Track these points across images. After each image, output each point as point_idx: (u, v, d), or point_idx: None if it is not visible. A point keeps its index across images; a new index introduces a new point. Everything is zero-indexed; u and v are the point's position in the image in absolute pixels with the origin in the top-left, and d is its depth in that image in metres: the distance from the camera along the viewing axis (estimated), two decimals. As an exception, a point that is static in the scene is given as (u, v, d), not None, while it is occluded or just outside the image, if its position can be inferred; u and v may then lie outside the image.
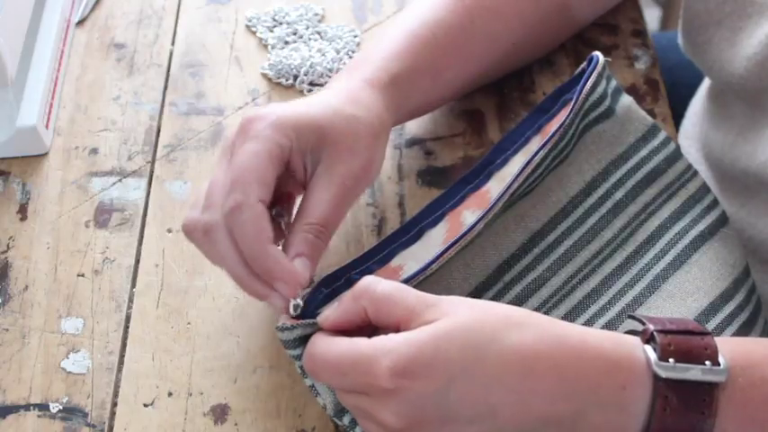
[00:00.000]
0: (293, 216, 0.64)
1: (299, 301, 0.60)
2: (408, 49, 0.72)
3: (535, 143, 0.70)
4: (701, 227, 0.68)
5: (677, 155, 0.70)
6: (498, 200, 0.64)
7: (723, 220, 0.69)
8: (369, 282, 0.56)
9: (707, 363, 0.54)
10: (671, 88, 0.87)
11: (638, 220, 0.68)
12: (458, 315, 0.54)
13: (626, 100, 0.70)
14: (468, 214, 0.69)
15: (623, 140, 0.69)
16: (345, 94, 0.67)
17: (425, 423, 0.53)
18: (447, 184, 0.77)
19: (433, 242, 0.68)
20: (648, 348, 0.54)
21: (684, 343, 0.54)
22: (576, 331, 0.55)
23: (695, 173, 0.70)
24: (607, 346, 0.55)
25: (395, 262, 0.67)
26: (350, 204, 0.66)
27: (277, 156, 0.62)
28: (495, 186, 0.69)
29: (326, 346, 0.56)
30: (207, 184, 0.63)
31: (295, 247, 0.62)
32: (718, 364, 0.54)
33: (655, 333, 0.55)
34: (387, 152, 0.78)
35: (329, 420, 0.64)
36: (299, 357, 0.60)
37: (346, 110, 0.66)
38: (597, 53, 0.68)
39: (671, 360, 0.53)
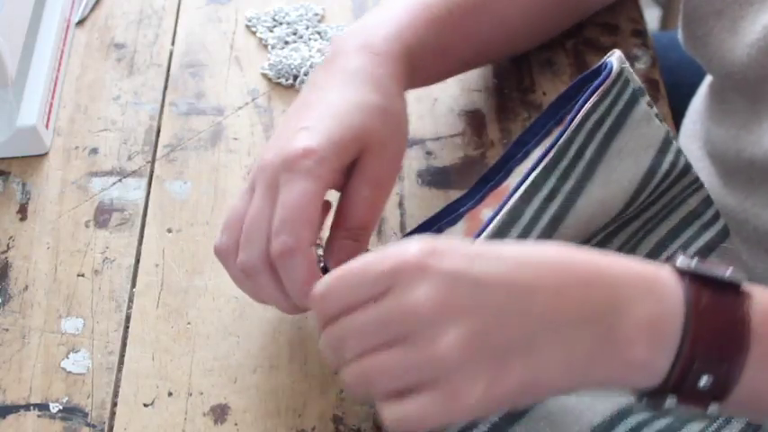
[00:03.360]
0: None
1: None
2: (422, 24, 0.70)
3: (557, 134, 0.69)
4: (699, 243, 0.67)
5: (686, 170, 0.67)
6: (505, 202, 0.64)
7: (723, 235, 0.68)
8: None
9: (727, 270, 0.53)
10: (671, 88, 0.87)
11: (636, 237, 0.67)
12: None
13: (642, 107, 0.66)
14: (488, 212, 0.68)
15: (644, 155, 0.65)
16: (364, 82, 0.65)
17: (457, 307, 0.50)
18: (447, 184, 0.77)
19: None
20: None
21: (702, 261, 0.54)
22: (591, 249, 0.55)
23: (698, 187, 0.68)
24: (629, 258, 0.54)
25: None
26: (386, 202, 0.65)
27: (324, 194, 0.61)
28: (515, 182, 0.68)
29: (349, 263, 0.54)
30: (234, 203, 0.63)
31: (335, 255, 0.62)
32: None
33: (674, 255, 0.54)
34: (387, 152, 0.78)
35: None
36: None
37: (373, 102, 0.64)
38: (612, 60, 0.65)
39: (693, 262, 0.53)
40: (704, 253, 0.67)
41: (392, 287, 0.51)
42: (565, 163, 0.63)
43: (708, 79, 0.87)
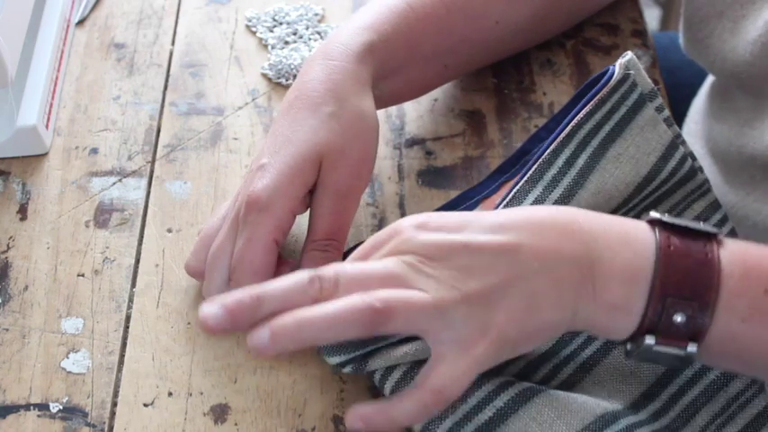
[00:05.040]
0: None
1: None
2: (380, 20, 0.71)
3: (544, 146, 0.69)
4: None
5: (690, 174, 0.67)
6: (510, 192, 0.64)
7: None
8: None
9: (701, 223, 0.57)
10: (671, 89, 0.87)
11: None
12: None
13: (648, 112, 0.66)
14: (504, 193, 0.69)
15: (644, 161, 0.65)
16: (319, 94, 0.67)
17: (452, 265, 0.54)
18: (447, 184, 0.77)
19: None
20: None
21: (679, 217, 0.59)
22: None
23: (705, 192, 0.68)
24: (603, 214, 0.59)
25: None
26: (353, 209, 0.67)
27: (275, 238, 0.65)
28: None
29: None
30: (207, 225, 0.69)
31: (305, 267, 0.63)
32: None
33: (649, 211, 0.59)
34: (387, 152, 0.79)
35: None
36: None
37: (327, 113, 0.67)
38: (615, 66, 0.66)
39: (666, 215, 0.57)
40: None
41: (389, 255, 0.55)
42: (552, 172, 0.64)
43: (710, 79, 0.87)
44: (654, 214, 0.57)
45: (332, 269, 0.55)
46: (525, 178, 0.64)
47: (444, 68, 0.78)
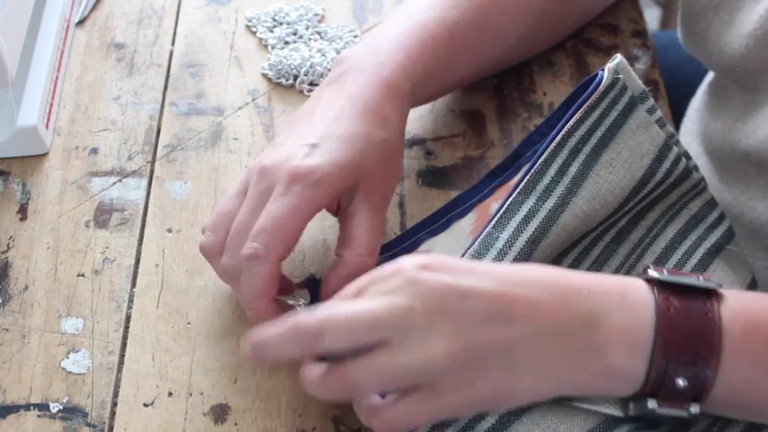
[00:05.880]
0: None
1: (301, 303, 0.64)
2: (427, 51, 0.72)
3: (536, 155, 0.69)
4: (707, 244, 0.67)
5: (685, 175, 0.67)
6: (505, 201, 0.64)
7: (729, 237, 0.68)
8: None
9: (700, 278, 0.56)
10: (671, 87, 0.87)
11: (642, 244, 0.66)
12: None
13: (639, 115, 0.66)
14: (496, 206, 0.69)
15: (638, 164, 0.65)
16: (372, 114, 0.67)
17: (446, 316, 0.54)
18: (447, 184, 0.77)
19: (461, 232, 0.69)
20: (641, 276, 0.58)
21: (677, 271, 0.58)
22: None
23: (701, 191, 0.69)
24: (600, 274, 0.59)
25: (422, 248, 0.69)
26: (381, 228, 0.68)
27: (312, 214, 0.63)
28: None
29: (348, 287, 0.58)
30: (223, 204, 0.66)
31: (340, 281, 0.63)
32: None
33: (648, 265, 0.58)
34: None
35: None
36: None
37: (377, 135, 0.66)
38: (604, 71, 0.65)
39: (664, 272, 0.56)
40: (711, 255, 0.67)
41: (387, 294, 0.55)
42: (545, 182, 0.64)
43: (708, 78, 0.87)
44: (652, 273, 0.56)
45: (318, 316, 0.54)
46: (518, 190, 0.64)
47: (466, 82, 0.80)
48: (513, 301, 0.54)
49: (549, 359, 0.54)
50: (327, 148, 0.64)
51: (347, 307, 0.55)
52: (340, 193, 0.65)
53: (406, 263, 0.56)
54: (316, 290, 0.68)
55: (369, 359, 0.54)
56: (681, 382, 0.54)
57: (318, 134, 0.65)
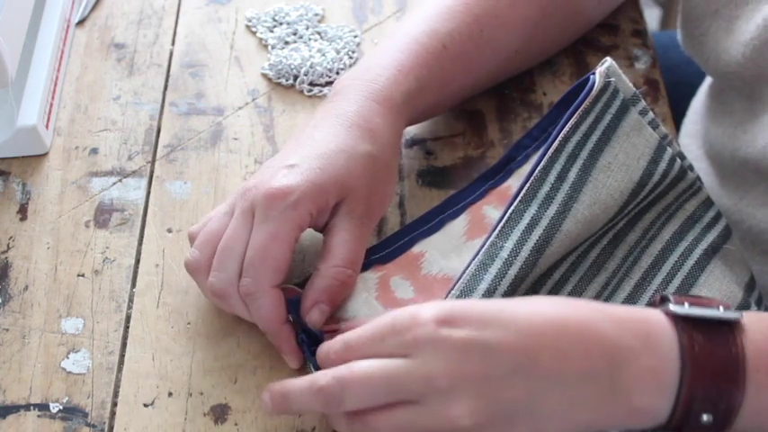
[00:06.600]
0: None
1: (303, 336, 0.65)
2: (419, 63, 0.72)
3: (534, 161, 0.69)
4: (703, 245, 0.67)
5: (680, 176, 0.68)
6: (507, 208, 0.64)
7: (726, 236, 0.68)
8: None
9: (720, 308, 0.56)
10: (672, 87, 0.87)
11: (639, 246, 0.67)
12: None
13: (632, 117, 0.66)
14: (490, 209, 0.69)
15: (635, 167, 0.65)
16: (359, 127, 0.67)
17: (469, 376, 0.53)
18: (447, 184, 0.77)
19: (455, 233, 0.69)
20: (661, 307, 0.57)
21: (696, 300, 0.57)
22: (584, 302, 0.58)
23: (696, 191, 0.69)
24: (620, 308, 0.57)
25: (416, 249, 0.69)
26: (369, 237, 0.68)
27: (295, 235, 0.64)
28: (516, 183, 0.69)
29: (361, 326, 0.58)
30: (210, 224, 0.66)
31: (316, 294, 0.64)
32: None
33: (667, 295, 0.57)
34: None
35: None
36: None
37: (362, 149, 0.66)
38: (595, 75, 0.66)
39: (685, 304, 0.56)
40: (708, 255, 0.67)
41: (405, 349, 0.54)
42: (545, 189, 0.64)
43: (708, 79, 0.87)
44: (673, 308, 0.56)
45: (338, 376, 0.55)
46: (519, 198, 0.64)
47: (465, 94, 0.79)
48: (538, 354, 0.54)
49: (574, 407, 0.54)
50: (306, 168, 0.65)
51: (364, 368, 0.55)
52: (322, 210, 0.65)
53: (425, 314, 0.55)
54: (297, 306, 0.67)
55: (390, 415, 0.55)
56: (705, 417, 0.54)
57: (300, 155, 0.66)
